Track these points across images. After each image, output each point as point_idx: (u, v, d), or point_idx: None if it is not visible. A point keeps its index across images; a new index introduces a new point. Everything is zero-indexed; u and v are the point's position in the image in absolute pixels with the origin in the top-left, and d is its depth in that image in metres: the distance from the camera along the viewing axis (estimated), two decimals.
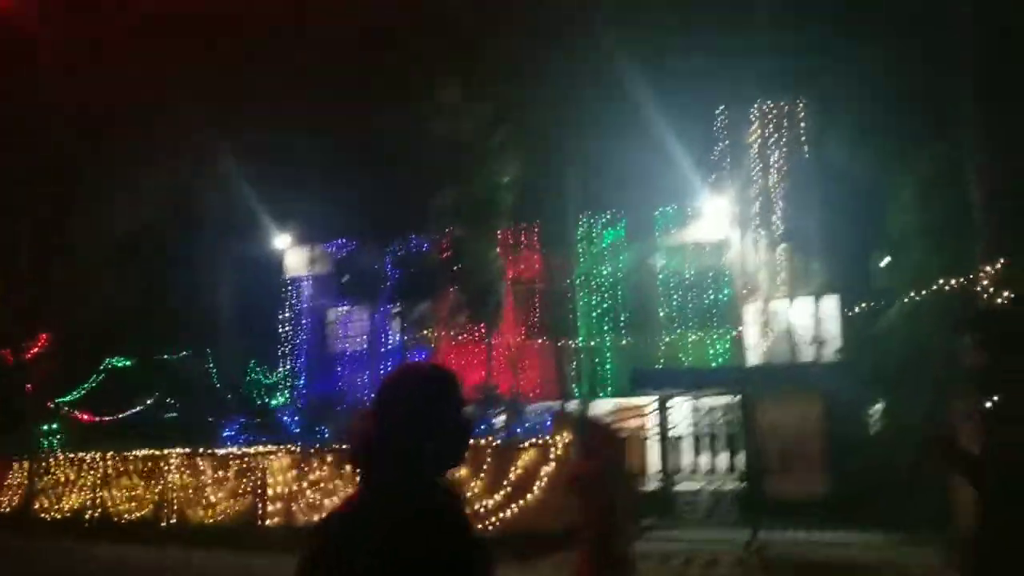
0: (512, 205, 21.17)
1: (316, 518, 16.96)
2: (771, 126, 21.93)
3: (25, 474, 23.97)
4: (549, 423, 17.77)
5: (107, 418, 34.44)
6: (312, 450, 18.86)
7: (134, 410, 34.63)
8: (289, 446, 19.44)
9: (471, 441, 2.32)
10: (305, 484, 18.50)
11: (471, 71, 19.98)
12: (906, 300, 17.39)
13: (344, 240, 20.17)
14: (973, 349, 2.83)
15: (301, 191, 26.69)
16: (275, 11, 25.15)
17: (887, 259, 19.17)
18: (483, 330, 22.39)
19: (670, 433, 22.07)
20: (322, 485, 18.22)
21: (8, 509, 24.02)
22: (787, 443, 20.39)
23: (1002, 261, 13.65)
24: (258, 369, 33.05)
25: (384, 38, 24.49)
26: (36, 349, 31.71)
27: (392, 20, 25.02)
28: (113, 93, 24.88)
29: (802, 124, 21.53)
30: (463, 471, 15.25)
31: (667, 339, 23.26)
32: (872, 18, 17.05)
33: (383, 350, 24.54)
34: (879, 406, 20.05)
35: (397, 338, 20.21)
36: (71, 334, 30.42)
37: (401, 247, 19.05)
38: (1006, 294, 13.47)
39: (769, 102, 22.06)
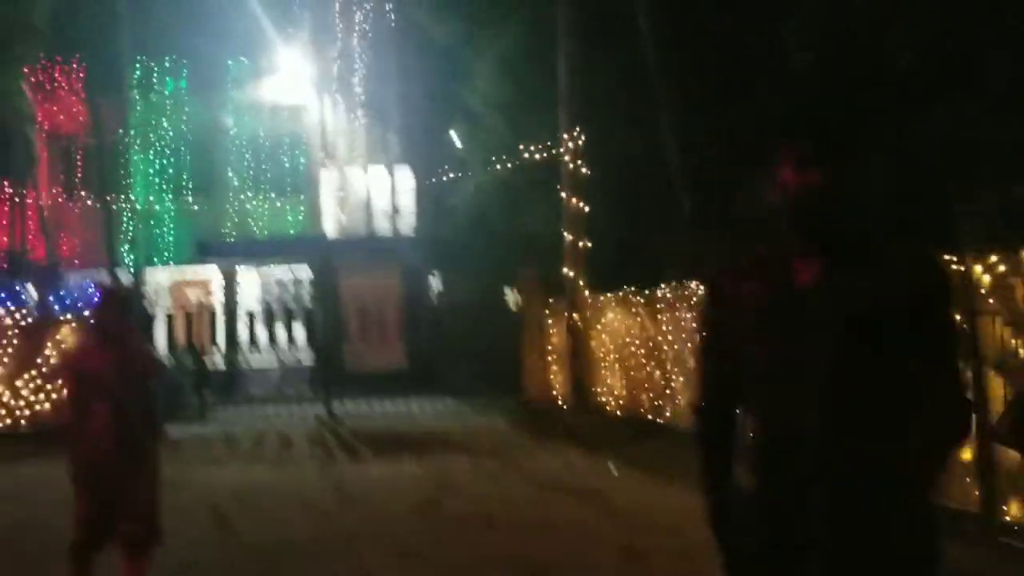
0: (43, 30, 17.43)
1: None
2: None
3: None
4: (97, 297, 15.26)
5: None
6: None
7: None
8: None
9: None
10: None
11: None
12: (480, 175, 17.71)
13: None
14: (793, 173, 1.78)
15: None
16: None
17: (458, 131, 19.30)
18: (9, 184, 18.53)
19: (238, 307, 20.65)
20: None
21: None
22: (365, 316, 20.18)
23: (578, 132, 14.10)
24: None
25: None
26: None
27: None
28: None
29: None
30: None
31: (237, 205, 21.36)
32: None
33: None
34: (440, 280, 20.59)
35: None
36: None
37: None
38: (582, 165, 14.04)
39: None
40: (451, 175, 18.78)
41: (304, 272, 20.83)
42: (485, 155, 17.37)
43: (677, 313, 10.83)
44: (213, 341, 20.69)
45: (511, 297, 18.63)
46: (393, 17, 20.46)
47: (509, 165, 15.91)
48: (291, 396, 18.68)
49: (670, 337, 11.03)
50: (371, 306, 20.44)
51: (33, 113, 17.97)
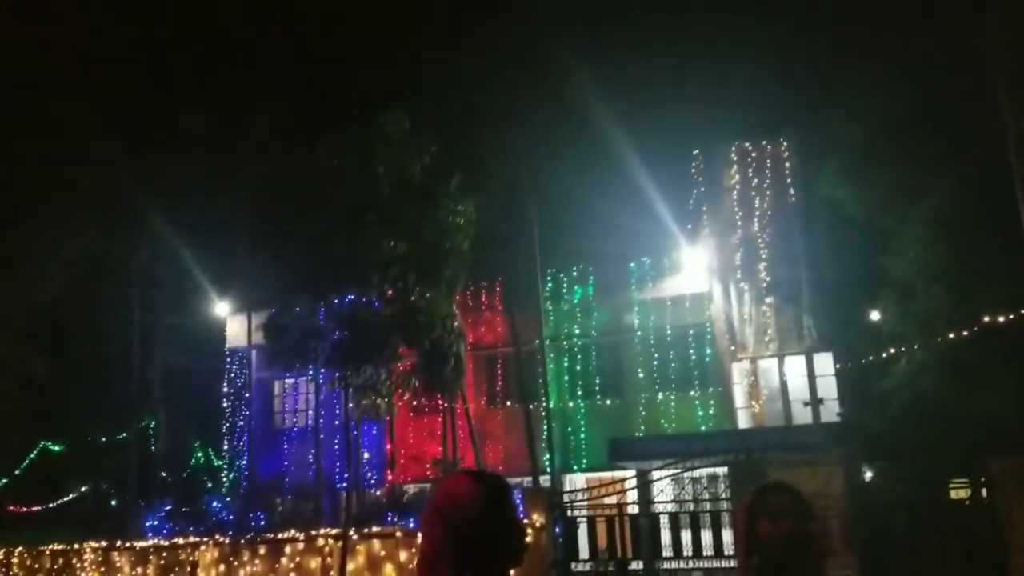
0: (469, 258, 19.05)
1: None
2: (752, 169, 20.19)
3: None
4: (519, 501, 15.39)
5: (36, 508, 31.46)
6: (244, 540, 16.30)
7: (65, 499, 31.71)
8: (218, 536, 16.86)
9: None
10: None
11: (421, 106, 18.01)
12: (916, 352, 15.54)
13: (282, 303, 17.78)
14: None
15: (237, 254, 24.51)
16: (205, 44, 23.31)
17: (883, 307, 17.34)
18: (441, 398, 20.00)
19: (655, 508, 19.75)
20: None
21: None
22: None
23: None
24: (207, 449, 30.37)
25: (321, 71, 22.67)
26: None
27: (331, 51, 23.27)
28: (26, 150, 22.48)
29: (787, 165, 19.77)
30: None
31: (647, 402, 21.01)
32: (865, 41, 15.53)
33: (331, 423, 22.03)
34: (871, 473, 18.03)
35: (345, 409, 17.71)
36: None
37: (342, 303, 16.60)
38: None
39: (748, 144, 20.40)
40: (876, 356, 16.76)
41: (720, 470, 19.52)
42: (920, 330, 15.26)
43: None
44: (632, 546, 19.85)
45: (964, 491, 15.65)
46: (794, 195, 19.59)
47: (963, 334, 13.66)
48: None
49: None
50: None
51: (463, 331, 19.47)
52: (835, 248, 18.47)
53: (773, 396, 19.88)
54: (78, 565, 18.46)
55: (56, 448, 32.05)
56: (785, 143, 19.92)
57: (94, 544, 18.47)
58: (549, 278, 22.11)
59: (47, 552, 19.18)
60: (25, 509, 31.26)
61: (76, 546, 18.68)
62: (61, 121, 21.68)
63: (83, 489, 31.88)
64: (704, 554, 19.53)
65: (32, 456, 31.68)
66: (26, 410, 26.68)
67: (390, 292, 17.37)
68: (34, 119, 21.42)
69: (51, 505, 31.72)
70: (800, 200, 19.60)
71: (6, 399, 24.74)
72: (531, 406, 20.32)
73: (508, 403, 21.87)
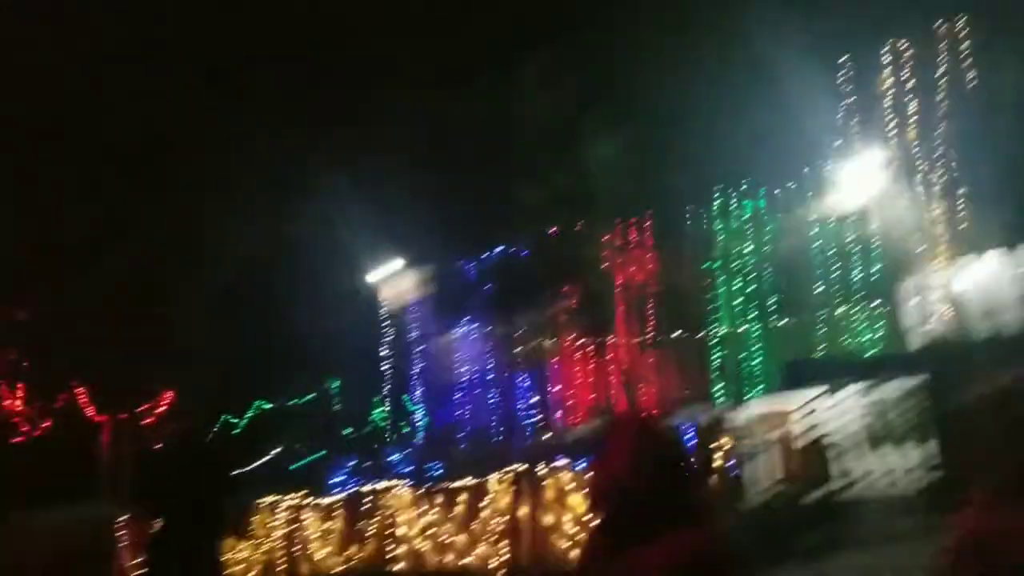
0: (620, 193, 18.45)
1: (447, 559, 14.84)
2: (920, 58, 18.42)
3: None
4: (693, 437, 14.99)
5: (236, 471, 33.80)
6: (424, 489, 16.87)
7: (262, 460, 33.85)
8: (400, 487, 17.53)
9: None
10: (424, 525, 16.50)
11: (560, 42, 17.42)
12: None
13: (439, 258, 17.99)
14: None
15: (393, 212, 24.86)
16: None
17: None
18: (602, 337, 19.69)
19: (836, 434, 18.77)
20: (442, 526, 16.18)
21: None
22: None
23: None
24: (383, 405, 31.58)
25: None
26: (162, 408, 30.88)
27: None
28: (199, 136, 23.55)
29: (964, 46, 17.85)
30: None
31: (824, 322, 19.93)
32: None
33: (496, 372, 22.24)
34: None
35: (505, 358, 17.79)
36: (189, 390, 29.48)
37: (495, 255, 16.56)
38: None
39: (913, 35, 18.61)
40: None
41: (906, 389, 18.28)
42: None
43: None
44: (815, 472, 19.01)
45: None
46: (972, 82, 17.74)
47: None
48: (902, 533, 15.93)
49: None
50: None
51: (619, 267, 19.02)
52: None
53: (956, 307, 18.32)
54: (274, 520, 19.66)
55: (268, 406, 33.84)
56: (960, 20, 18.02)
57: (289, 500, 19.60)
58: (717, 195, 21.18)
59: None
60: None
61: (270, 500, 19.90)
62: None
63: (277, 450, 33.91)
64: (887, 480, 18.46)
65: (250, 415, 33.63)
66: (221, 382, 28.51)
67: (542, 238, 17.20)
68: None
69: (253, 465, 33.90)
70: (982, 86, 17.75)
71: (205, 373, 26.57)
72: (699, 335, 19.70)
73: (673, 335, 21.26)
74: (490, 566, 14.75)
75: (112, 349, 26.16)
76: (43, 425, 34.18)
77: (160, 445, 28.49)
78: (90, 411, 30.74)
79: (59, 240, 23.53)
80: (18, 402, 34.34)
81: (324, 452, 28.23)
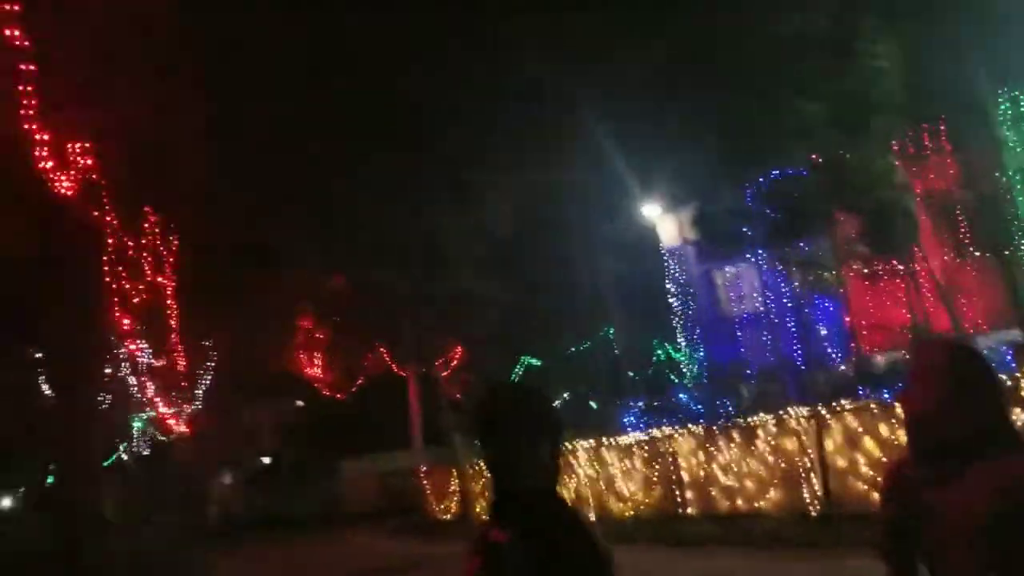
0: (902, 103, 16.93)
1: (737, 503, 14.81)
2: None
3: (457, 482, 24.88)
4: (1010, 359, 13.69)
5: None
6: (717, 428, 16.67)
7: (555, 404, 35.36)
8: (692, 426, 17.47)
9: None
10: (715, 467, 16.31)
11: None
12: None
13: (707, 192, 17.51)
14: None
15: (657, 151, 24.55)
16: None
17: None
18: (896, 259, 18.32)
19: None
20: (734, 467, 15.88)
21: (449, 516, 25.11)
22: None
23: None
24: (664, 346, 31.76)
25: None
26: (455, 362, 33.16)
27: None
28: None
29: None
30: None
31: None
32: None
33: (779, 305, 21.48)
34: None
35: (791, 288, 17.10)
36: (475, 343, 31.21)
37: (768, 180, 15.83)
38: None
39: None
40: None
41: None
42: None
43: None
44: None
45: None
46: None
47: None
48: None
49: None
50: None
51: (908, 183, 17.55)
52: None
53: None
54: (574, 462, 20.40)
55: (535, 362, 35.62)
56: None
57: (585, 443, 20.24)
58: (1006, 101, 18.93)
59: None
60: None
61: (569, 446, 20.65)
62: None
63: (565, 396, 35.25)
64: None
65: (518, 369, 35.56)
66: (500, 335, 29.89)
67: (817, 159, 16.22)
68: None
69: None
70: None
71: (486, 324, 28.02)
72: (1007, 251, 17.79)
73: (978, 252, 19.36)
74: (787, 509, 14.39)
75: (407, 313, 28.35)
76: (357, 383, 38.18)
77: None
78: (393, 367, 33.83)
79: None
80: (317, 370, 38.71)
81: (612, 395, 28.92)
